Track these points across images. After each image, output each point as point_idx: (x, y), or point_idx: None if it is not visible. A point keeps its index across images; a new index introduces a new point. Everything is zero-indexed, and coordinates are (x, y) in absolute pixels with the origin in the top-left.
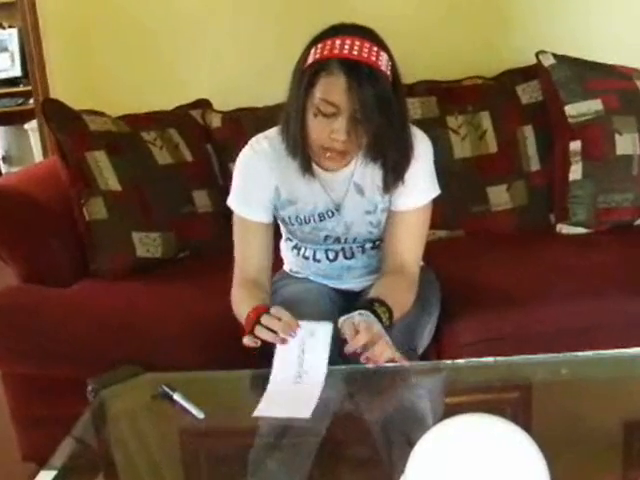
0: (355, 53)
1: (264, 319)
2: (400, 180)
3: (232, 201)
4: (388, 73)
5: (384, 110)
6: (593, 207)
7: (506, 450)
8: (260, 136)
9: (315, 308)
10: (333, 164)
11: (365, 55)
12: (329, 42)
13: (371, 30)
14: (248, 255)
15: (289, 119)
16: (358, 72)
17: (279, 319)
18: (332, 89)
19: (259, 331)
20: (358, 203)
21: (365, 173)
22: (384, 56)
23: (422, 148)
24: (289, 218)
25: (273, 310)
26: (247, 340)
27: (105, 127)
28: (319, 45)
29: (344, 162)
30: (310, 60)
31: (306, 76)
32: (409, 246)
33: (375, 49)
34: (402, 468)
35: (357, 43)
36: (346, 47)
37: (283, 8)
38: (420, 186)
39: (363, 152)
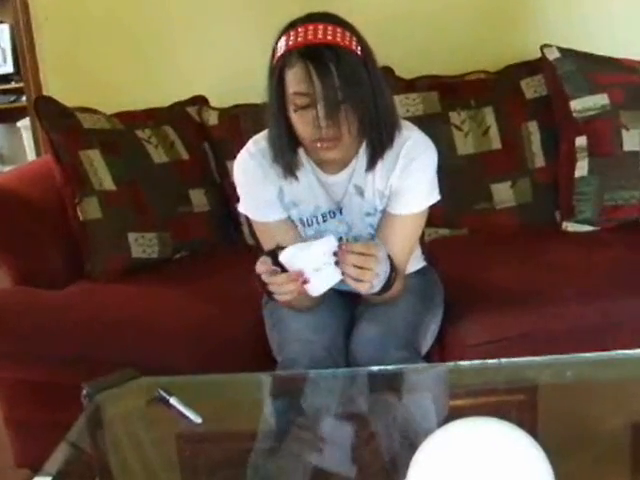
0: (310, 37)
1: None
2: (379, 157)
3: (243, 208)
4: (353, 48)
5: (356, 85)
6: (599, 204)
7: (510, 454)
8: (257, 137)
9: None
10: (330, 155)
11: (320, 36)
12: (285, 36)
13: (330, 14)
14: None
15: (269, 119)
16: (318, 56)
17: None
18: (298, 80)
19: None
20: (358, 204)
21: (366, 175)
22: (345, 33)
23: (427, 154)
24: (292, 221)
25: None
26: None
27: (99, 125)
28: (279, 42)
29: (342, 152)
30: (275, 58)
31: (275, 75)
32: (401, 248)
33: (331, 27)
34: (404, 472)
35: (311, 27)
36: (300, 35)
37: (281, 1)
38: (420, 193)
39: (364, 148)
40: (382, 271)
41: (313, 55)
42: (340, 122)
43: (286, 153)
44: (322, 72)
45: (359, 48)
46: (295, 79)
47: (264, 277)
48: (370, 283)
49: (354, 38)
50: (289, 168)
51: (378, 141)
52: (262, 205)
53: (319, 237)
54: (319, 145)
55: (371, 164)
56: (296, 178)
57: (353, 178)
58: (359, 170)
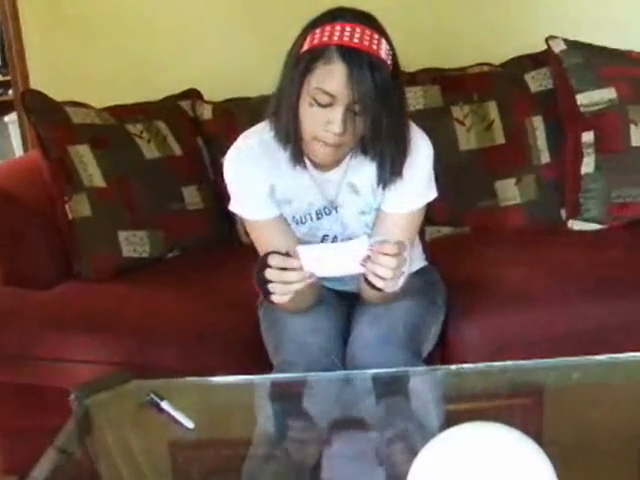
0: (356, 40)
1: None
2: (398, 175)
3: (234, 207)
4: (388, 62)
5: (383, 101)
6: (607, 202)
7: (512, 460)
8: (247, 133)
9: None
10: (325, 157)
11: (366, 43)
12: (328, 28)
13: (371, 16)
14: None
15: (281, 107)
16: (358, 61)
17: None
18: (330, 78)
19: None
20: (353, 203)
21: (360, 173)
22: (384, 44)
23: (422, 150)
24: (285, 219)
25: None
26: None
27: (89, 119)
28: (317, 31)
29: (337, 156)
30: (306, 46)
31: (302, 63)
32: None
33: (376, 37)
34: (404, 478)
35: (358, 30)
36: (346, 34)
37: None
38: (416, 190)
39: (358, 148)
40: (407, 270)
41: (354, 59)
42: (352, 131)
43: (297, 140)
44: (359, 79)
45: (389, 60)
46: (326, 76)
47: (271, 273)
48: (396, 281)
49: (389, 48)
50: (300, 155)
51: (390, 161)
52: (254, 203)
53: (313, 235)
54: (319, 145)
55: (388, 182)
56: (304, 166)
57: (347, 175)
58: (353, 167)
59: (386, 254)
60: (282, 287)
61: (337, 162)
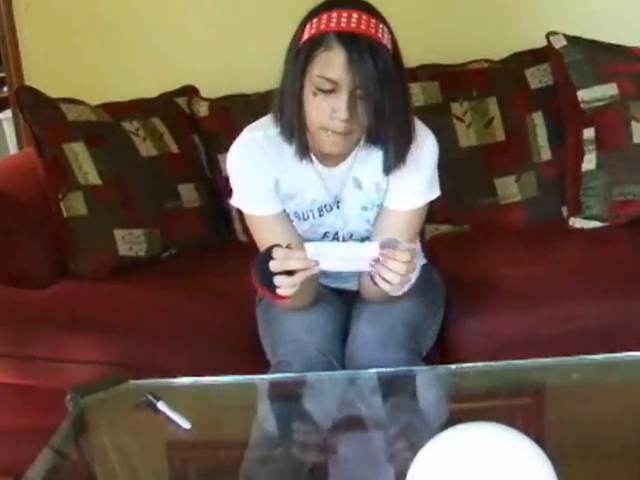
0: (353, 25)
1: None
2: (402, 162)
3: (237, 201)
4: (389, 46)
5: (386, 85)
6: (608, 199)
7: (512, 460)
8: (252, 126)
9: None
10: (334, 147)
11: (364, 27)
12: (325, 16)
13: (369, 3)
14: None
15: (284, 100)
16: (358, 45)
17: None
18: (331, 65)
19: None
20: (356, 198)
21: (366, 165)
22: (384, 28)
23: (427, 147)
24: (287, 215)
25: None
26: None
27: (84, 117)
28: (314, 20)
29: (345, 147)
30: (305, 36)
31: (302, 53)
32: None
33: (374, 21)
34: (403, 478)
35: (355, 15)
36: (343, 20)
37: None
38: (419, 187)
39: (364, 140)
40: (414, 276)
41: (353, 44)
42: (358, 117)
43: (302, 134)
44: (360, 64)
45: (390, 45)
46: (327, 63)
47: (276, 264)
48: (401, 286)
49: (389, 34)
50: (306, 149)
51: (394, 144)
52: (258, 197)
53: (315, 231)
54: (327, 134)
55: (392, 169)
56: (310, 160)
57: (353, 169)
58: (358, 162)
59: (397, 260)
60: (287, 279)
61: (344, 155)
